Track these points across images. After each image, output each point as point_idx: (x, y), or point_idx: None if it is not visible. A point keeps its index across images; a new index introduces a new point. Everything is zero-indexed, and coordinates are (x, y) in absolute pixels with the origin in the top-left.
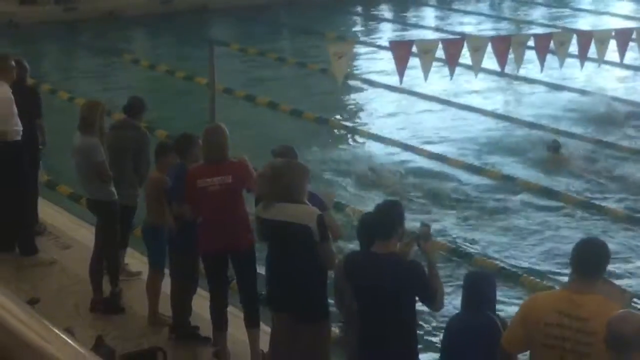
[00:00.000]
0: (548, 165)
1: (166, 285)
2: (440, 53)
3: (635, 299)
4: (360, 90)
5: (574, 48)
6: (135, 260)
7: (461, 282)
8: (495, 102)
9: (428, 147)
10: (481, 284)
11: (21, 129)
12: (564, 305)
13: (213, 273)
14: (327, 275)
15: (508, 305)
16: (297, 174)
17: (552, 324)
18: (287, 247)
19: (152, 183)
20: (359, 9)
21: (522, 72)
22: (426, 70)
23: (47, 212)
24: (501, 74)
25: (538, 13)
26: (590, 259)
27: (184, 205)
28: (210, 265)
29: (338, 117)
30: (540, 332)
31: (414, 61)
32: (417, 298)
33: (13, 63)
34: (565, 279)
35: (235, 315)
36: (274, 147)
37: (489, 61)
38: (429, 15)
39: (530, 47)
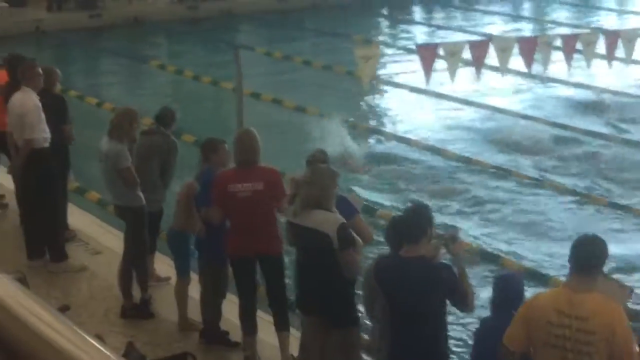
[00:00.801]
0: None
1: (196, 290)
2: (466, 54)
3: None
4: (387, 92)
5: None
6: (165, 266)
7: (488, 283)
8: (522, 103)
9: (455, 149)
10: (511, 286)
11: (49, 136)
12: (563, 305)
13: (242, 277)
14: (354, 282)
15: None
16: (327, 181)
17: (553, 324)
18: (310, 252)
19: (185, 188)
20: (385, 11)
21: (548, 72)
22: (453, 72)
23: (77, 218)
24: (528, 75)
25: (563, 13)
26: (588, 257)
27: (212, 209)
28: (239, 269)
29: (365, 119)
30: (542, 331)
31: (441, 63)
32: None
33: (40, 70)
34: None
35: (264, 319)
36: (312, 152)
37: (516, 61)
38: (455, 17)
39: (556, 48)
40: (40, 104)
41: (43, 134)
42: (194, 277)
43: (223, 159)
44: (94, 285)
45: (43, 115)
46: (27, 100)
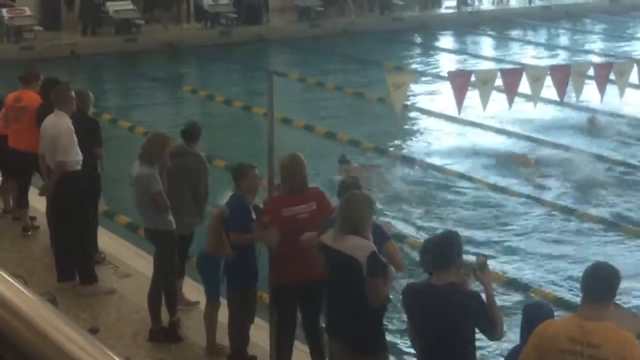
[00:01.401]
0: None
1: (225, 314)
2: (499, 83)
3: None
4: (419, 120)
5: (634, 77)
6: (193, 290)
7: (517, 312)
8: (555, 132)
9: (487, 177)
10: (540, 314)
11: (81, 158)
12: (575, 333)
13: (285, 307)
14: (384, 309)
15: None
16: (364, 207)
17: (565, 351)
18: (340, 277)
19: (216, 213)
20: (417, 38)
21: (581, 101)
22: (485, 100)
23: (106, 241)
24: (560, 104)
25: (595, 42)
26: (599, 285)
27: (270, 230)
28: (283, 298)
29: (396, 147)
30: (554, 359)
31: (473, 91)
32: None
33: (73, 94)
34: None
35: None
36: (343, 179)
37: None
38: (487, 45)
39: (589, 77)
40: (72, 127)
41: (75, 157)
42: (224, 301)
43: (252, 185)
44: (123, 307)
45: (75, 138)
46: (60, 123)
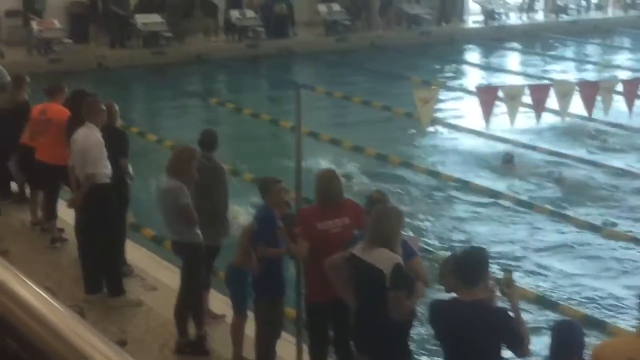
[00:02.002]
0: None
1: (251, 328)
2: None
3: None
4: (446, 134)
5: None
6: (220, 303)
7: (543, 328)
8: (583, 147)
9: (515, 193)
10: (570, 333)
11: (110, 171)
12: (634, 353)
13: (318, 324)
14: (409, 324)
15: None
16: (394, 221)
17: None
18: (366, 288)
19: (245, 227)
20: (444, 53)
21: (609, 117)
22: (512, 115)
23: (133, 253)
24: (588, 119)
25: (624, 57)
26: None
27: (299, 243)
28: (319, 315)
29: (423, 161)
30: None
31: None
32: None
33: (103, 106)
34: None
35: None
36: (370, 192)
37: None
38: (514, 60)
39: (618, 92)
40: (102, 140)
41: (104, 170)
42: (251, 315)
43: (276, 199)
44: (150, 320)
45: (105, 151)
46: (90, 135)
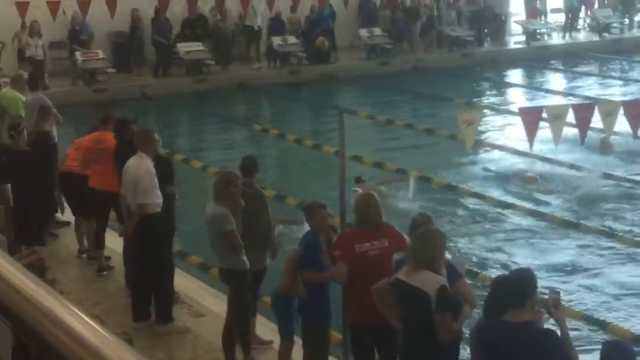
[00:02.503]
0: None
1: (298, 353)
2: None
3: None
4: (490, 155)
5: None
6: (267, 328)
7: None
8: (630, 168)
9: (562, 214)
10: (620, 353)
11: (161, 201)
12: None
13: (362, 347)
14: (455, 347)
15: None
16: (438, 243)
17: None
18: (411, 311)
19: (290, 255)
20: (487, 74)
21: None
22: (557, 135)
23: (180, 280)
24: (634, 137)
25: None
26: None
27: (338, 266)
28: (361, 337)
29: (467, 183)
30: None
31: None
32: None
33: (156, 136)
34: None
35: None
36: (414, 215)
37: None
38: (557, 80)
39: None
40: (154, 170)
41: (156, 200)
42: (298, 340)
43: (321, 224)
44: (198, 347)
45: (156, 181)
46: (142, 165)
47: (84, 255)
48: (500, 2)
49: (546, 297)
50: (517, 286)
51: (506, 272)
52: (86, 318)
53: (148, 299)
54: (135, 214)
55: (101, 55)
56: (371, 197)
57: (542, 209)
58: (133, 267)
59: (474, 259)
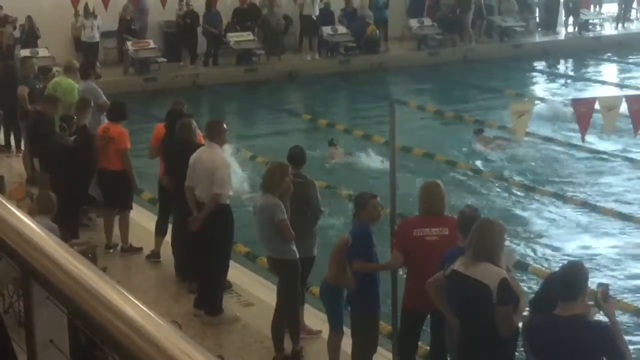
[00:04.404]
0: None
1: (347, 343)
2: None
3: None
4: (541, 147)
5: None
6: (316, 318)
7: None
8: None
9: (615, 207)
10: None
11: (231, 193)
12: None
13: (412, 331)
14: (514, 341)
15: None
16: (498, 235)
17: None
18: (470, 304)
19: (338, 241)
20: (537, 65)
21: None
22: (610, 127)
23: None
24: None
25: None
26: None
27: (393, 254)
28: (412, 321)
29: (516, 174)
30: None
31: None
32: None
33: (225, 126)
34: None
35: None
36: (462, 208)
37: None
38: (610, 71)
39: None
40: (228, 161)
41: (228, 191)
42: (347, 330)
43: (372, 214)
44: (246, 336)
45: (230, 172)
46: (216, 156)
47: (111, 250)
48: None
49: (595, 289)
50: (571, 279)
51: (561, 267)
52: (139, 304)
53: (205, 288)
54: (209, 204)
55: (152, 44)
56: (436, 186)
57: (599, 203)
58: (190, 257)
59: (522, 251)
